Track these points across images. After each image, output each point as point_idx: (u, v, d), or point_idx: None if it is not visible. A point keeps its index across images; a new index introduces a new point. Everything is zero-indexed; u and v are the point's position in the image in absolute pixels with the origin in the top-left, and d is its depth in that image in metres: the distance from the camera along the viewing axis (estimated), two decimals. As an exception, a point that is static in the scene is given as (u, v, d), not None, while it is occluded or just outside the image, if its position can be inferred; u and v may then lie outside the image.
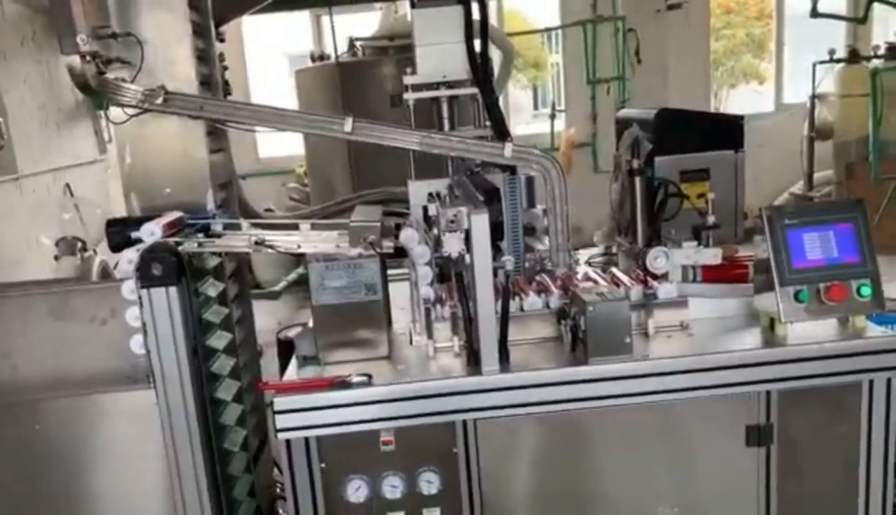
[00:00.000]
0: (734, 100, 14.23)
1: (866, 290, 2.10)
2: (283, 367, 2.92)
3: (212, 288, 2.51)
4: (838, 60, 7.91)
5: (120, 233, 2.37)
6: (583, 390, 2.06)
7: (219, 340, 2.51)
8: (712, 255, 2.36)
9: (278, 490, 3.45)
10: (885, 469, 2.16)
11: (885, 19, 8.98)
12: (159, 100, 2.46)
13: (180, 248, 2.19)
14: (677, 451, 2.15)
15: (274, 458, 3.50)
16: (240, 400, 2.64)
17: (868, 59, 7.77)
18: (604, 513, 2.17)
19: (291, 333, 4.84)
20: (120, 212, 2.82)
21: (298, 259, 8.07)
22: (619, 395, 2.06)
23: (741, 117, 2.84)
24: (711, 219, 2.40)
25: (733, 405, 2.10)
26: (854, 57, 7.86)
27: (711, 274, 2.42)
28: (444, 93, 2.73)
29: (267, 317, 6.50)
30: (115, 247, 2.39)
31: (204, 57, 2.77)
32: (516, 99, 12.15)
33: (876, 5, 7.85)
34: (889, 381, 2.11)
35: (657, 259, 2.34)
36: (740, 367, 2.07)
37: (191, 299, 2.33)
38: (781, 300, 2.10)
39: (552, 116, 9.28)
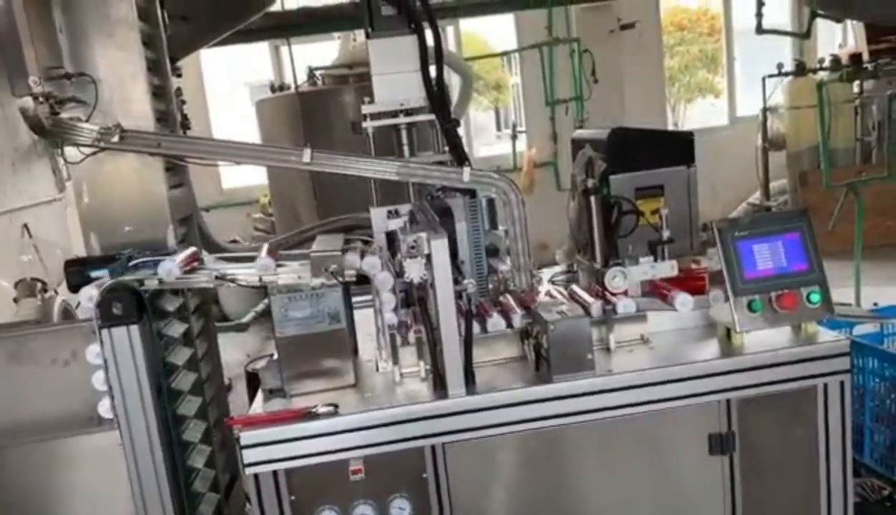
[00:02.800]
0: (691, 115, 14.56)
1: (815, 297, 2.17)
2: (252, 400, 2.90)
3: (175, 328, 2.49)
4: (786, 74, 8.17)
5: (79, 273, 2.35)
6: (548, 408, 2.08)
7: (184, 380, 2.48)
8: (669, 268, 2.42)
9: (250, 524, 3.41)
10: (844, 469, 2.21)
11: (829, 31, 9.33)
12: (115, 139, 2.45)
13: (141, 287, 2.18)
14: (644, 463, 2.18)
15: (245, 492, 3.46)
16: (208, 440, 2.61)
17: (814, 71, 8.04)
18: (574, 530, 2.19)
19: (259, 365, 4.80)
20: (81, 250, 2.79)
21: (266, 290, 8.03)
22: (584, 411, 2.09)
23: (691, 133, 2.92)
24: (666, 234, 2.46)
25: (695, 415, 2.15)
26: (801, 70, 8.13)
27: (671, 287, 2.47)
28: (402, 120, 2.77)
29: (235, 350, 6.43)
30: (75, 288, 2.36)
31: (160, 93, 2.78)
32: (478, 120, 12.29)
33: (819, 19, 8.15)
34: (842, 384, 2.17)
35: (615, 278, 2.38)
36: (700, 378, 2.12)
37: (153, 338, 2.31)
38: (735, 310, 2.16)
39: (514, 137, 9.42)
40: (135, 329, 2.16)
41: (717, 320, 2.30)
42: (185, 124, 3.22)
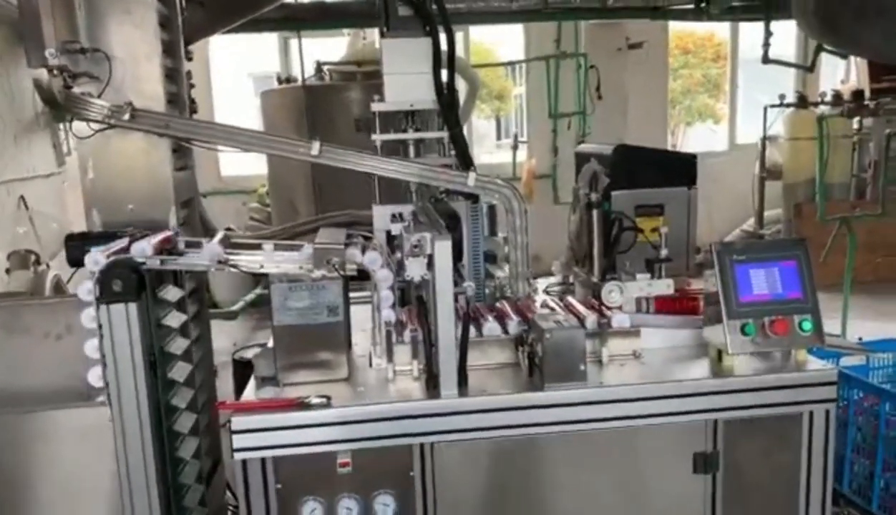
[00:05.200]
0: (690, 138, 14.68)
1: (807, 325, 2.21)
2: (238, 388, 2.90)
3: (172, 313, 2.49)
4: (788, 105, 8.26)
5: (79, 247, 2.35)
6: (538, 415, 2.11)
7: (179, 372, 2.48)
8: (665, 286, 2.46)
9: (230, 512, 3.41)
10: (824, 497, 2.24)
11: (833, 66, 9.44)
12: (126, 117, 2.46)
13: (142, 265, 2.18)
14: (628, 477, 2.21)
15: (227, 481, 3.46)
16: (196, 429, 2.61)
17: (815, 104, 8.14)
18: (556, 538, 2.20)
19: (248, 354, 4.81)
20: (77, 225, 2.79)
21: (256, 279, 8.05)
22: (574, 421, 2.11)
23: (694, 156, 2.97)
24: (664, 253, 2.50)
25: (682, 433, 2.17)
26: (802, 102, 8.23)
27: (664, 306, 2.51)
28: (410, 135, 2.78)
29: (223, 338, 6.41)
30: (74, 262, 2.37)
31: (172, 75, 2.79)
32: (479, 128, 12.33)
33: (823, 54, 8.25)
34: (827, 413, 2.20)
35: (611, 293, 2.42)
36: (689, 396, 2.15)
37: (150, 320, 2.31)
38: (729, 332, 2.19)
39: (514, 147, 9.46)
40: (133, 307, 2.16)
41: (710, 341, 2.33)
42: (193, 108, 3.22)
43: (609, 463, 2.19)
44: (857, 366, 3.03)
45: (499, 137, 14.85)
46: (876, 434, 2.70)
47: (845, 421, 2.81)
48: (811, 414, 2.20)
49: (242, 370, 4.10)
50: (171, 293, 2.40)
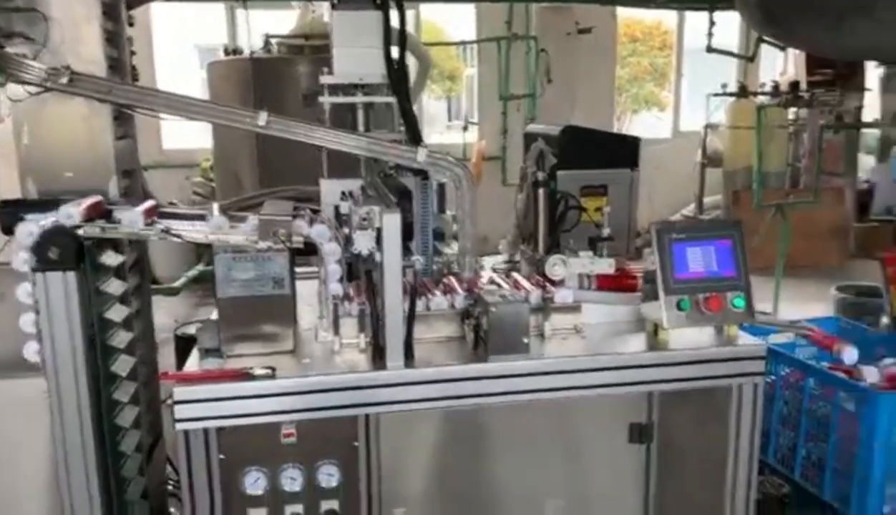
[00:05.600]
0: (636, 126, 14.96)
1: (740, 302, 2.31)
2: (181, 364, 2.84)
3: (111, 282, 2.43)
4: (729, 94, 8.50)
5: (13, 214, 2.27)
6: (482, 386, 2.15)
7: (118, 337, 2.43)
8: (607, 265, 2.53)
9: (171, 487, 3.37)
10: (750, 466, 2.36)
11: (773, 58, 9.73)
12: (64, 80, 2.37)
13: (81, 232, 2.12)
14: (567, 446, 2.28)
15: (168, 456, 3.41)
16: (136, 400, 2.57)
17: (755, 94, 8.40)
18: (497, 505, 2.27)
19: (191, 330, 4.71)
20: (5, 191, 2.69)
21: (199, 255, 7.88)
22: (516, 392, 2.17)
23: (637, 139, 3.05)
24: (606, 232, 2.57)
25: (619, 404, 2.26)
26: (743, 92, 8.47)
27: (605, 283, 2.58)
28: (360, 99, 2.77)
29: (164, 315, 6.26)
30: (7, 230, 2.28)
31: (113, 39, 2.70)
32: (430, 109, 12.31)
33: (765, 46, 8.51)
34: (756, 386, 2.31)
35: (555, 266, 2.47)
36: (626, 368, 2.23)
37: (89, 290, 2.25)
38: (665, 307, 2.28)
39: (465, 128, 9.48)
40: (71, 276, 2.10)
41: (647, 317, 2.41)
42: (134, 76, 3.13)
43: (549, 433, 2.26)
44: (785, 344, 3.18)
45: (450, 119, 14.84)
46: (800, 407, 2.85)
47: (772, 396, 2.95)
48: (741, 386, 2.30)
49: (185, 346, 4.02)
50: (111, 258, 2.34)
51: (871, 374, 2.85)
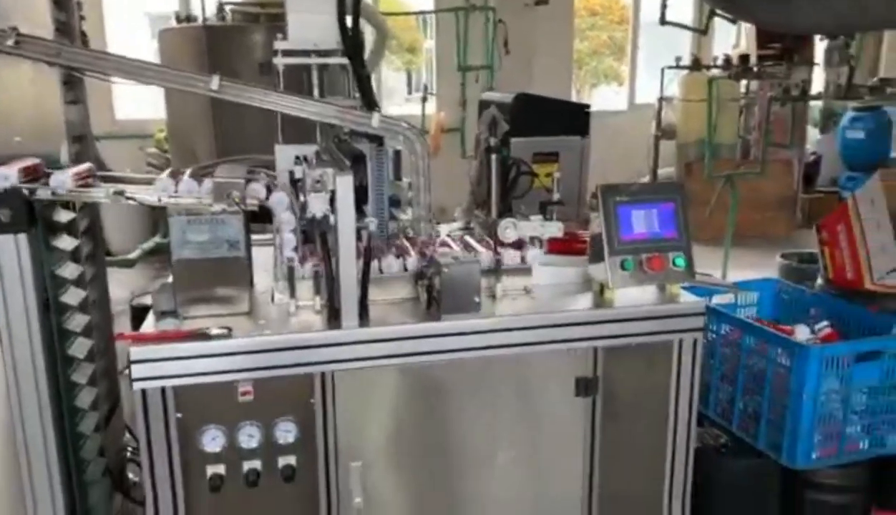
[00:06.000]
0: (595, 99, 15.09)
1: (680, 261, 2.42)
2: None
3: (64, 243, 2.43)
4: (682, 67, 8.66)
5: (-39, 179, 2.25)
6: (435, 344, 2.23)
7: (72, 297, 2.44)
8: (556, 229, 2.61)
9: (129, 454, 3.39)
10: (690, 417, 2.49)
11: (727, 32, 9.93)
12: (10, 42, 2.34)
13: (29, 194, 2.12)
14: (516, 400, 2.38)
15: (126, 423, 3.43)
16: (91, 359, 2.58)
17: (708, 67, 8.57)
18: (451, 458, 2.36)
19: (146, 300, 4.68)
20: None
21: (155, 226, 7.76)
22: (467, 349, 2.25)
23: (587, 106, 3.13)
24: (556, 196, 2.65)
25: (565, 359, 2.36)
26: (696, 65, 8.65)
27: (555, 247, 2.67)
28: (314, 60, 2.79)
29: (119, 288, 6.19)
30: (-44, 194, 2.26)
31: (61, 3, 2.66)
32: (390, 81, 12.22)
33: (718, 20, 8.68)
34: (695, 341, 2.44)
35: (506, 229, 2.54)
36: (572, 325, 2.33)
37: (42, 252, 2.25)
38: (610, 268, 2.37)
39: (424, 99, 9.47)
40: (23, 238, 2.10)
41: (594, 277, 2.51)
42: (84, 42, 3.08)
43: (500, 388, 2.35)
44: (727, 304, 3.33)
45: (410, 91, 14.73)
46: (738, 363, 3.00)
47: (713, 353, 3.10)
48: (681, 341, 2.42)
49: (141, 316, 4.02)
50: (63, 216, 2.34)
51: (802, 332, 3.02)
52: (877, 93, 6.73)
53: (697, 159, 8.65)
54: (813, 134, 9.57)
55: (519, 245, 2.56)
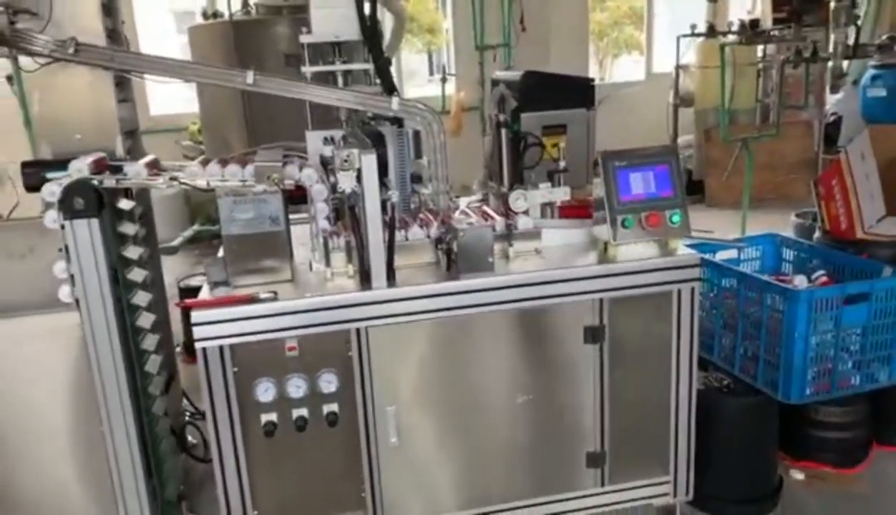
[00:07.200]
0: (617, 69, 15.12)
1: (676, 218, 2.65)
2: (185, 316, 3.16)
3: (127, 228, 2.75)
4: (698, 35, 8.72)
5: (35, 174, 2.57)
6: (454, 301, 2.51)
7: (136, 275, 2.76)
8: (563, 193, 2.86)
9: (187, 417, 3.75)
10: (691, 360, 2.74)
11: (742, -2, 9.93)
12: (71, 51, 2.65)
13: (99, 183, 2.43)
14: (531, 349, 2.65)
15: (183, 389, 3.79)
16: (154, 330, 2.91)
17: (724, 34, 8.62)
18: (473, 401, 2.64)
19: (193, 282, 5.04)
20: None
21: (194, 216, 8.12)
22: (484, 304, 2.52)
23: (592, 79, 3.35)
24: (562, 164, 2.90)
25: (574, 310, 2.61)
26: (711, 32, 8.70)
27: (566, 213, 2.93)
28: (339, 67, 3.03)
29: (165, 273, 6.59)
30: (30, 188, 2.59)
31: (108, 10, 2.97)
32: (411, 63, 12.43)
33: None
34: (693, 290, 2.67)
35: (517, 200, 2.79)
36: (580, 280, 2.58)
37: (111, 232, 2.57)
38: (612, 227, 2.62)
39: (443, 80, 9.68)
40: (95, 222, 2.42)
41: (599, 237, 2.76)
42: (126, 44, 3.39)
43: (515, 339, 2.62)
44: (731, 259, 3.55)
45: (431, 73, 14.90)
46: (739, 312, 3.23)
47: (716, 305, 3.33)
48: (679, 291, 2.66)
49: (188, 296, 4.36)
50: (125, 204, 2.66)
51: (801, 282, 3.23)
52: (885, 51, 6.75)
53: (716, 125, 8.72)
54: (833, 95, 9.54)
55: (528, 213, 2.81)
